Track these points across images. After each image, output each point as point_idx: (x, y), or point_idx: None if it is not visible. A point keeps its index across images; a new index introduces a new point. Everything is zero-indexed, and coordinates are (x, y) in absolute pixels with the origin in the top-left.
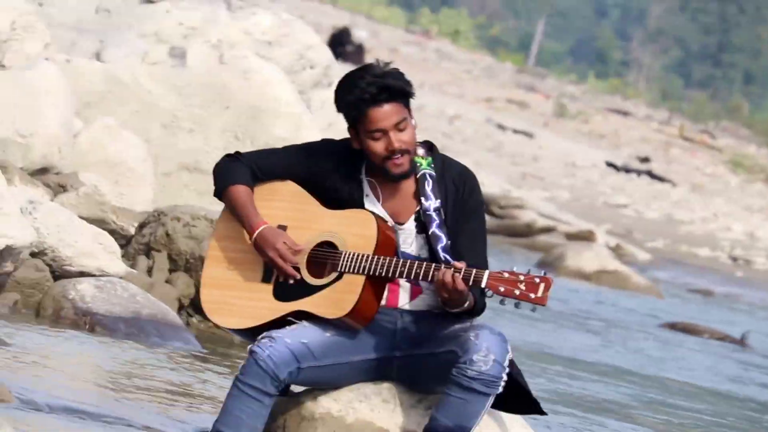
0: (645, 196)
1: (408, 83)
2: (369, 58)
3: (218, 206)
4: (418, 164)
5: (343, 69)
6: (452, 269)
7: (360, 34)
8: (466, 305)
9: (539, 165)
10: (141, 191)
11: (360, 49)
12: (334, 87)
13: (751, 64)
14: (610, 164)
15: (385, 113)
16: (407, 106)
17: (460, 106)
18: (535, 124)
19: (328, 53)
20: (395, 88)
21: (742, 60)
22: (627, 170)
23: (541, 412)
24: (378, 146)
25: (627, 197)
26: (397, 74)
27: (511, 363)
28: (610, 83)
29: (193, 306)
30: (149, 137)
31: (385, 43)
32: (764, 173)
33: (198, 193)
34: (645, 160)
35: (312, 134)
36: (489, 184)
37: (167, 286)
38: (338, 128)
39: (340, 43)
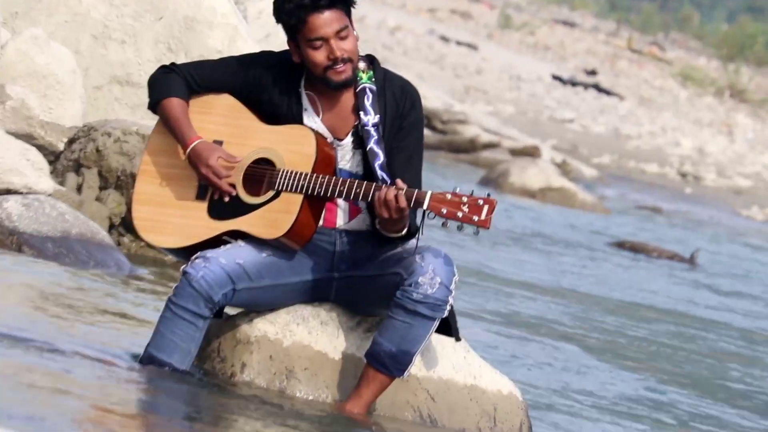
0: (591, 110)
1: None
2: None
3: (151, 120)
4: (359, 78)
5: None
6: (395, 188)
7: None
8: (403, 229)
9: (483, 78)
10: (70, 105)
11: None
12: None
13: None
14: (555, 77)
15: (326, 20)
16: (348, 14)
17: (402, 17)
18: (479, 36)
19: None
20: None
21: None
22: (573, 83)
23: (457, 338)
24: (319, 55)
25: (573, 111)
26: None
27: None
28: None
29: (124, 225)
30: (79, 49)
31: None
32: (714, 86)
33: (130, 107)
34: (592, 73)
35: (248, 46)
36: (431, 98)
37: (97, 204)
38: (276, 40)
39: None
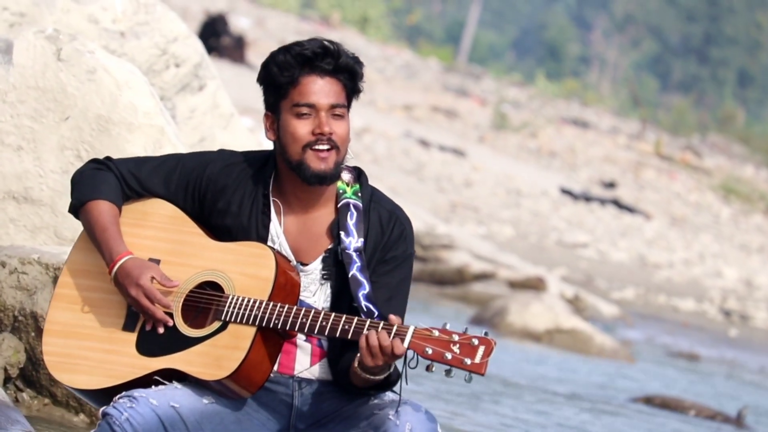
0: (610, 232)
1: (362, 71)
2: (253, 54)
3: (57, 247)
4: (342, 191)
5: (218, 67)
6: (387, 327)
7: (240, 21)
8: (385, 374)
9: (473, 192)
10: None
11: (240, 42)
12: (205, 91)
13: (747, 60)
14: (565, 191)
15: (323, 87)
16: (348, 101)
17: (371, 116)
18: (468, 139)
19: (199, 47)
20: (345, 64)
21: (736, 55)
22: (587, 198)
23: None
24: (302, 127)
25: (587, 234)
26: (355, 58)
27: None
28: (564, 86)
29: (23, 378)
30: None
31: (273, 33)
32: (764, 202)
33: (29, 229)
34: (610, 185)
35: (178, 152)
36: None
37: None
38: (211, 145)
39: (214, 33)
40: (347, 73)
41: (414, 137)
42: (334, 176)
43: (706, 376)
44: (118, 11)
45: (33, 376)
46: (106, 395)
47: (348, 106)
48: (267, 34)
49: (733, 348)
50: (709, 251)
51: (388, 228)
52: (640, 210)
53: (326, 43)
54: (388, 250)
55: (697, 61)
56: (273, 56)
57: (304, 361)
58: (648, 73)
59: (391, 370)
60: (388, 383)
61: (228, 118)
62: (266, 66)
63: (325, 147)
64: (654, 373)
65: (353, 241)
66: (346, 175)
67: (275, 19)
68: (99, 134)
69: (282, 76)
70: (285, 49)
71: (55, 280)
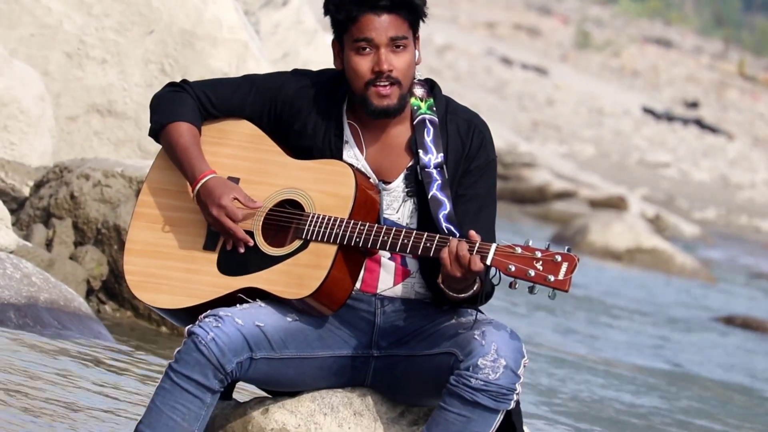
0: (693, 152)
1: (421, 1)
2: None
3: (140, 160)
4: (416, 107)
5: None
6: (465, 241)
7: None
8: (471, 291)
9: (555, 111)
10: (38, 140)
11: None
12: (289, 7)
13: None
14: (647, 110)
15: (382, 22)
16: (413, 30)
17: (453, 34)
18: (551, 58)
19: None
20: (402, 0)
21: None
22: (669, 118)
23: None
24: (362, 63)
25: (669, 153)
26: None
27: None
28: (647, 5)
29: (105, 290)
30: (48, 69)
31: None
32: None
33: (113, 142)
34: (693, 105)
35: (260, 67)
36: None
37: (72, 264)
38: (295, 61)
39: None
40: (406, 8)
41: (496, 55)
42: (398, 109)
43: None
44: None
45: (115, 288)
46: (188, 314)
47: (414, 35)
48: None
49: None
50: None
51: (467, 138)
52: (722, 130)
53: None
54: (472, 160)
55: None
56: None
57: (387, 280)
58: None
59: (476, 288)
60: (479, 300)
61: (311, 34)
62: (325, 5)
63: (386, 83)
64: (735, 294)
65: (432, 158)
66: (418, 90)
67: None
68: (183, 48)
69: (339, 14)
70: None
71: (137, 193)
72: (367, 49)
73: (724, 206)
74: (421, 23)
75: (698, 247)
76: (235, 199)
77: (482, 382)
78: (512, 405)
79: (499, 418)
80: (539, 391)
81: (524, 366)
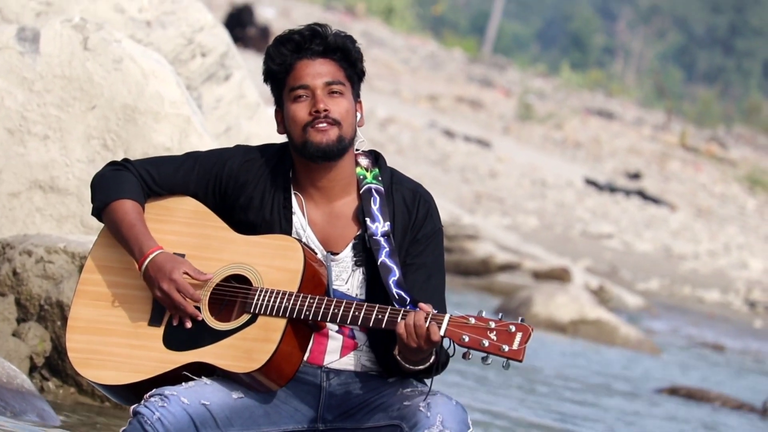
0: (635, 223)
1: (357, 49)
2: None
3: (84, 236)
4: (362, 177)
5: (244, 57)
6: (423, 313)
7: (266, 12)
8: (428, 363)
9: (498, 183)
10: None
11: (265, 32)
12: (231, 81)
13: None
14: (590, 181)
15: (316, 67)
16: (351, 81)
17: (395, 107)
18: (493, 130)
19: (225, 36)
20: (335, 43)
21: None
22: (612, 189)
23: None
24: (300, 109)
25: (612, 224)
26: (346, 36)
27: None
28: (589, 76)
29: (49, 366)
30: None
31: (298, 23)
32: None
33: (55, 218)
34: (635, 176)
35: (204, 142)
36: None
37: (15, 341)
38: (237, 136)
39: (239, 23)
40: (339, 52)
41: (439, 128)
42: (339, 150)
43: (731, 368)
44: (144, 1)
45: (59, 365)
46: (132, 391)
47: (352, 86)
48: (292, 24)
49: (758, 339)
50: (735, 242)
51: (413, 208)
52: (665, 201)
53: (315, 25)
54: (419, 230)
55: (722, 52)
56: (267, 49)
57: (335, 352)
58: (673, 64)
59: (432, 360)
60: (435, 370)
61: (254, 108)
62: (264, 61)
63: (323, 123)
64: (679, 364)
65: (380, 226)
66: (363, 161)
67: (300, 9)
68: (125, 123)
69: (276, 65)
70: (276, 40)
71: (80, 269)
72: (304, 96)
73: (667, 277)
74: (360, 84)
75: (642, 317)
76: (185, 273)
77: None
78: None
79: None
80: None
81: None
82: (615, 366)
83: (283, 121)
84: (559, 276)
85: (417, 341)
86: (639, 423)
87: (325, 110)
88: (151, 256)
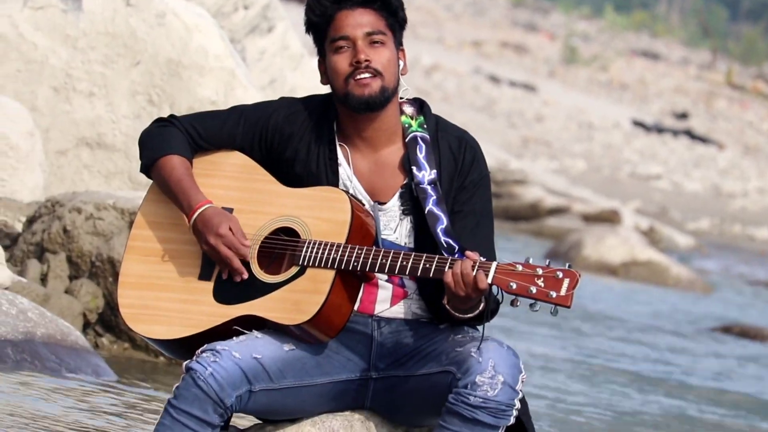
0: (684, 163)
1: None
2: None
3: (132, 191)
4: (407, 125)
5: (286, 8)
6: (470, 261)
7: None
8: (477, 310)
9: (545, 127)
10: (28, 176)
11: None
12: (274, 33)
13: None
14: (637, 123)
15: (355, 18)
16: (393, 30)
17: (439, 54)
18: (538, 74)
19: None
20: None
21: None
22: (659, 130)
23: None
24: (341, 61)
25: (660, 165)
26: None
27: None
28: (633, 18)
29: (102, 322)
30: (36, 105)
31: None
32: None
33: (103, 175)
34: (682, 116)
35: (248, 95)
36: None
37: (67, 298)
38: (282, 88)
39: None
40: (379, 1)
41: (484, 73)
42: (382, 101)
43: None
44: None
45: (112, 321)
46: (184, 345)
47: (393, 34)
48: None
49: None
50: None
51: (459, 155)
52: (712, 140)
53: None
54: (465, 176)
55: None
56: (307, 0)
57: (385, 301)
58: (717, 3)
59: (481, 307)
60: (484, 316)
61: (298, 59)
62: (305, 12)
63: (365, 75)
64: (732, 303)
65: (426, 174)
66: (408, 109)
67: None
68: (170, 78)
69: (316, 16)
70: None
71: (130, 225)
72: (345, 47)
73: (717, 216)
74: (402, 32)
75: (693, 257)
76: (230, 229)
77: (481, 399)
78: (512, 421)
79: None
80: (542, 398)
81: (522, 381)
82: (667, 306)
83: (326, 71)
84: (609, 218)
85: (465, 290)
86: (692, 361)
87: (366, 60)
88: (199, 211)
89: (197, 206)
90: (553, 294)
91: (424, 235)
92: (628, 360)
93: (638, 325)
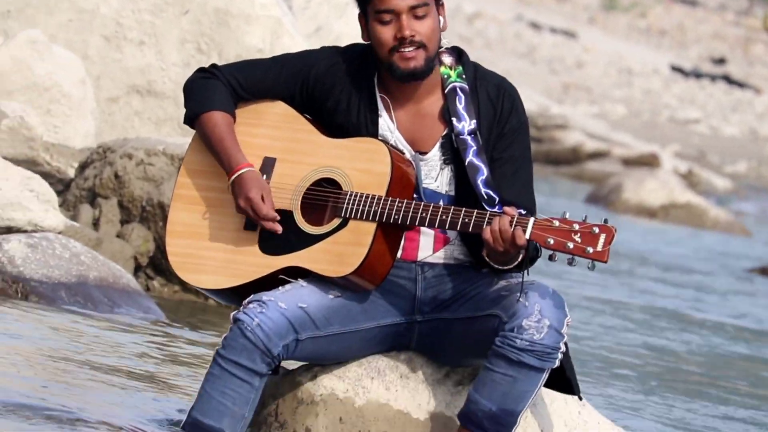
0: (722, 108)
1: None
2: None
3: (182, 137)
4: (446, 76)
5: None
6: (508, 217)
7: None
8: (516, 261)
9: (585, 73)
10: (80, 122)
11: None
12: None
13: None
14: (675, 68)
15: None
16: None
17: (482, 2)
18: (578, 21)
19: None
20: None
21: None
22: (697, 75)
23: (578, 395)
24: (386, 33)
25: (698, 110)
26: None
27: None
28: None
29: (153, 266)
30: (87, 53)
31: None
32: None
33: (153, 122)
34: (720, 61)
35: (295, 43)
36: (522, 99)
37: (119, 242)
38: (328, 36)
39: None
40: None
41: (525, 21)
42: (425, 71)
43: None
44: None
45: (162, 264)
46: (232, 294)
47: (436, 1)
48: None
49: None
50: None
51: (498, 103)
52: (750, 85)
53: None
54: (504, 124)
55: None
56: None
57: (427, 248)
58: None
59: (521, 258)
60: (524, 265)
61: (343, 7)
62: None
63: (410, 48)
64: None
65: (466, 125)
66: (447, 59)
67: None
68: (218, 27)
69: None
70: None
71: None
72: (389, 19)
73: (754, 159)
74: None
75: (731, 200)
76: (261, 195)
77: (527, 343)
78: (557, 363)
79: (544, 376)
80: (582, 340)
81: (567, 325)
82: (706, 248)
83: (366, 27)
84: (648, 162)
85: (503, 245)
86: (730, 301)
87: (411, 35)
88: (238, 173)
89: (236, 168)
90: (590, 249)
91: (464, 184)
92: (667, 300)
93: (677, 266)
